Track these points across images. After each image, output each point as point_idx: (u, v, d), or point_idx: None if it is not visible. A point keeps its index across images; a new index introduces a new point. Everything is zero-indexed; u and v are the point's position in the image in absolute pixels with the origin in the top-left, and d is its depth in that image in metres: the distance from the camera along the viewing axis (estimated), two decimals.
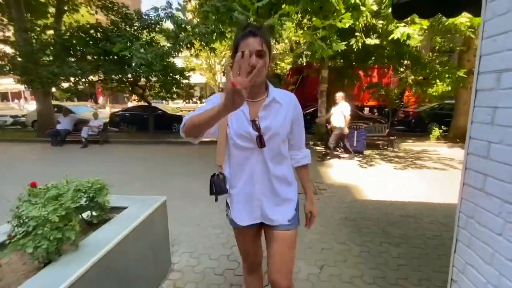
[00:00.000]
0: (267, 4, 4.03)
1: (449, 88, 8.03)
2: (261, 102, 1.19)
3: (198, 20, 5.00)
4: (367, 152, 7.36)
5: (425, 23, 4.37)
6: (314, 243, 2.68)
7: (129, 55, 5.69)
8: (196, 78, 27.34)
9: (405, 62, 8.86)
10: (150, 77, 8.11)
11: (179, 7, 4.97)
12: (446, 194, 4.05)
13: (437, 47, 8.48)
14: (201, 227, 3.05)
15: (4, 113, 14.52)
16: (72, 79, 8.17)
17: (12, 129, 13.39)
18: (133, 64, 5.95)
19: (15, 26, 8.92)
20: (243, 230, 1.33)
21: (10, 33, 9.97)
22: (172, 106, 15.81)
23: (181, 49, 5.95)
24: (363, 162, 6.21)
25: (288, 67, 16.66)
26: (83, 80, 8.50)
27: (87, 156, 7.24)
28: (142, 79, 9.28)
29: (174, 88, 10.15)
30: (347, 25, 4.62)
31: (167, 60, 8.10)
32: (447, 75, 7.94)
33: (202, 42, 5.48)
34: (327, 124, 8.65)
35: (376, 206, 3.59)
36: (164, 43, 8.27)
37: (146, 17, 8.23)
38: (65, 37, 8.28)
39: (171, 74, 9.31)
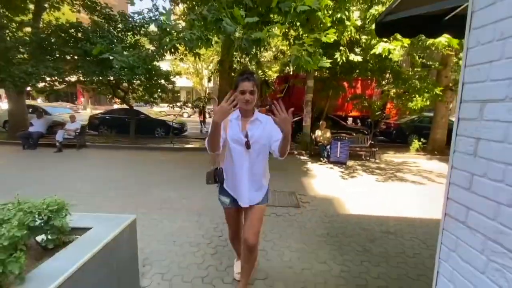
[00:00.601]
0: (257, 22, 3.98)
1: (428, 102, 8.33)
2: (249, 120, 1.85)
3: (184, 25, 4.89)
4: (349, 162, 7.44)
5: (406, 41, 4.49)
6: (294, 262, 2.59)
7: (110, 57, 5.45)
8: (182, 82, 27.04)
9: (387, 75, 9.15)
10: (132, 80, 7.80)
11: (163, 11, 4.82)
12: (425, 208, 4.11)
13: (416, 64, 8.82)
14: (177, 243, 2.88)
15: None
16: (47, 79, 7.73)
17: None
18: (115, 67, 5.70)
19: None
20: (230, 209, 2.02)
21: None
22: (155, 110, 15.45)
23: (165, 53, 5.77)
24: (346, 174, 6.25)
25: (275, 75, 16.78)
26: (60, 80, 8.08)
27: (60, 161, 6.83)
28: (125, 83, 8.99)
29: (159, 92, 9.91)
30: (332, 40, 4.67)
31: (151, 64, 7.90)
32: (425, 91, 8.25)
33: (187, 47, 5.34)
34: (311, 134, 8.73)
35: (358, 221, 3.56)
36: (149, 46, 8.07)
37: (130, 19, 8.00)
38: (43, 35, 7.88)
39: (155, 78, 9.08)
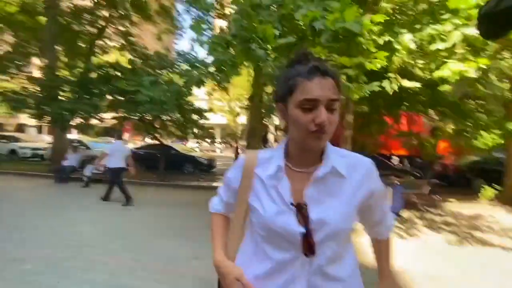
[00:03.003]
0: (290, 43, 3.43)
1: (502, 140, 6.82)
2: (311, 172, 0.75)
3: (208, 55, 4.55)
4: (404, 213, 6.04)
5: (483, 61, 3.53)
6: None
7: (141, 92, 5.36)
8: (217, 119, 27.89)
9: (442, 109, 7.89)
10: (161, 116, 7.70)
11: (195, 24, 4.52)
12: None
13: (479, 94, 7.49)
14: None
15: (26, 145, 14.80)
16: (83, 114, 8.01)
17: (32, 161, 13.43)
18: (140, 101, 5.55)
19: (44, 61, 9.31)
20: None
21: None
22: (187, 146, 15.54)
23: (191, 88, 5.49)
24: (403, 230, 4.92)
25: None
26: (94, 116, 8.32)
27: (82, 197, 6.57)
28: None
29: (192, 128, 9.79)
30: (378, 66, 3.89)
31: (183, 99, 7.82)
32: (495, 127, 6.83)
33: (215, 81, 4.99)
34: None
35: None
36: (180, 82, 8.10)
37: (164, 57, 8.22)
38: (86, 76, 8.41)
39: (187, 114, 9.01)
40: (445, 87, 6.37)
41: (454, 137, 7.81)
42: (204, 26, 4.31)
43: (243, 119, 24.75)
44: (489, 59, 3.76)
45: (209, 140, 10.59)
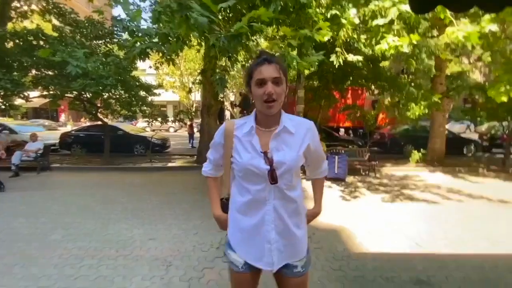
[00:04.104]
0: (234, 8, 3.26)
1: (426, 111, 7.81)
2: (272, 131, 1.13)
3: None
4: (348, 178, 6.70)
5: (415, 37, 3.90)
6: None
7: (70, 63, 4.62)
8: (169, 96, 26.19)
9: (382, 83, 8.63)
10: (102, 93, 6.87)
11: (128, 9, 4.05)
12: (451, 238, 3.34)
13: (411, 70, 8.34)
14: None
15: None
16: (1, 93, 6.72)
17: None
18: (71, 73, 4.81)
19: None
20: (243, 275, 1.16)
21: None
22: (137, 127, 14.47)
23: (135, 60, 4.96)
24: (347, 193, 5.47)
25: None
26: (20, 95, 7.07)
27: (12, 189, 5.73)
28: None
29: (140, 106, 9.00)
30: (325, 38, 4.01)
31: (126, 73, 7.07)
32: (422, 99, 7.75)
33: (158, 52, 4.58)
34: None
35: (376, 265, 2.73)
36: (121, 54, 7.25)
37: (99, 25, 7.19)
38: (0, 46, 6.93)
39: (133, 91, 8.21)
40: (385, 63, 6.93)
41: (390, 108, 8.67)
42: None
43: (197, 95, 23.71)
44: (420, 36, 4.14)
45: (160, 119, 9.91)
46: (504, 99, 5.73)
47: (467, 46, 5.58)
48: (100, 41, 7.60)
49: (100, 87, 6.05)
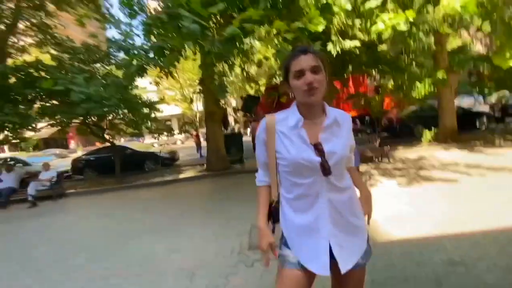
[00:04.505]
0: (224, 12, 3.25)
1: (432, 88, 7.65)
2: (320, 123, 1.10)
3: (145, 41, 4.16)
4: (362, 167, 6.58)
5: (410, 14, 3.81)
6: None
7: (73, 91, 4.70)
8: (172, 109, 26.47)
9: (381, 67, 8.49)
10: (106, 114, 6.98)
11: (121, 29, 4.09)
12: (479, 215, 3.21)
13: (411, 49, 8.19)
14: None
15: None
16: (10, 127, 6.89)
17: None
18: (75, 100, 4.89)
19: None
20: (297, 272, 1.06)
21: None
22: (145, 143, 14.64)
23: (132, 78, 5.01)
24: None
25: (263, 88, 16.23)
26: (27, 127, 7.23)
27: (31, 219, 5.83)
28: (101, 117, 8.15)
29: (146, 123, 9.10)
30: (319, 28, 3.95)
31: (127, 92, 7.14)
32: (427, 76, 7.59)
33: (158, 67, 4.62)
34: None
35: (405, 250, 2.64)
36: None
37: (94, 48, 7.32)
38: (3, 82, 7.12)
39: (136, 109, 8.30)
40: (383, 47, 6.80)
41: (395, 91, 8.53)
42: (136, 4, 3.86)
43: (199, 105, 23.88)
44: (415, 12, 4.04)
45: (166, 133, 9.98)
46: (511, 64, 5.55)
47: (465, 18, 5.45)
48: (98, 64, 7.72)
49: (104, 109, 6.14)
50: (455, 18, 5.47)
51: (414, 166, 6.13)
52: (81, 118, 7.52)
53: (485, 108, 12.52)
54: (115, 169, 8.95)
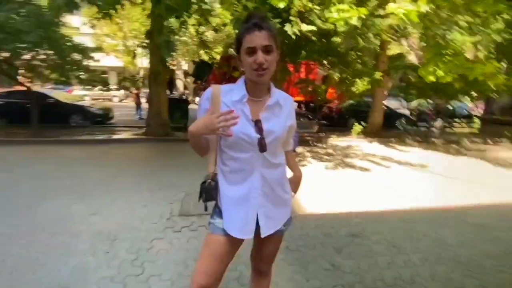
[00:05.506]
0: None
1: (370, 87, 8.49)
2: (263, 102, 1.13)
3: None
4: (298, 149, 7.08)
5: (363, 11, 4.07)
6: None
7: None
8: (111, 61, 23.28)
9: (332, 59, 8.98)
10: (20, 52, 5.74)
11: None
12: (380, 199, 3.86)
13: (359, 47, 8.81)
14: None
15: None
16: None
17: None
18: None
19: None
20: (223, 238, 1.14)
21: None
22: (73, 94, 12.76)
23: (61, 11, 4.18)
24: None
25: (218, 56, 15.51)
26: None
27: None
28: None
29: (76, 71, 7.81)
30: (281, 4, 3.92)
31: (53, 29, 5.97)
32: (366, 75, 8.35)
33: (94, 5, 3.95)
34: None
35: (318, 223, 3.03)
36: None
37: None
38: None
39: (64, 53, 7.03)
40: (337, 39, 7.12)
41: (339, 84, 9.17)
42: None
43: (144, 62, 21.54)
44: (368, 12, 4.32)
45: (101, 87, 8.82)
46: (432, 79, 6.50)
47: (407, 28, 6.08)
48: None
49: (19, 44, 5.02)
50: (399, 26, 6.05)
51: (342, 154, 6.89)
52: None
53: (407, 112, 14.57)
54: (31, 119, 7.65)
